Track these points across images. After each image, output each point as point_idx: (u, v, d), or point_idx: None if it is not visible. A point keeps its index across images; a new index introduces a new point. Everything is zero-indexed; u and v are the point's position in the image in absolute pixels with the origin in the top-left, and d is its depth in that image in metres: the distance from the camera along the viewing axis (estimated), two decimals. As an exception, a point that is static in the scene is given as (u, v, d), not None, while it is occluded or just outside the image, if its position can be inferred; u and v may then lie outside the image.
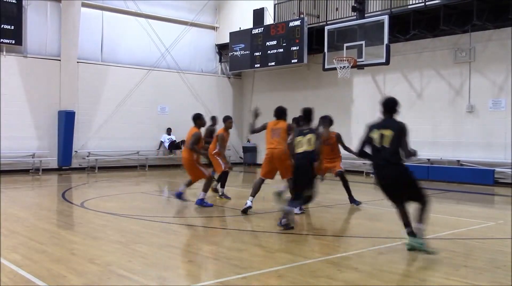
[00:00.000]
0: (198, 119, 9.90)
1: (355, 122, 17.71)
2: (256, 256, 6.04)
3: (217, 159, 10.75)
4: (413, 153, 5.98)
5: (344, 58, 15.80)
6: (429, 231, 6.89)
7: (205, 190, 9.78)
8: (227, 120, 10.96)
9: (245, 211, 8.82)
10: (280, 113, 9.01)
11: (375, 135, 6.02)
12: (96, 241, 6.78)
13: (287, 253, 6.22)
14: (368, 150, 6.19)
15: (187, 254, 6.13)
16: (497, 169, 14.31)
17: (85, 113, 18.50)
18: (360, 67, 16.12)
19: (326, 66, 16.71)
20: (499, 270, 5.51)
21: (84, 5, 18.40)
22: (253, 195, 8.98)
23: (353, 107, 18.44)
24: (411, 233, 6.07)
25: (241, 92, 23.24)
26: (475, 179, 14.37)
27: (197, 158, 9.88)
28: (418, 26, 15.65)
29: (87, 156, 18.57)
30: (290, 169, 8.57)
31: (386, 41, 14.94)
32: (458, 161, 15.35)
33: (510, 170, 14.10)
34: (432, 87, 16.27)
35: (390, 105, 6.14)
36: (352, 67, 15.77)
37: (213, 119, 12.05)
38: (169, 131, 20.33)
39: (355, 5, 16.12)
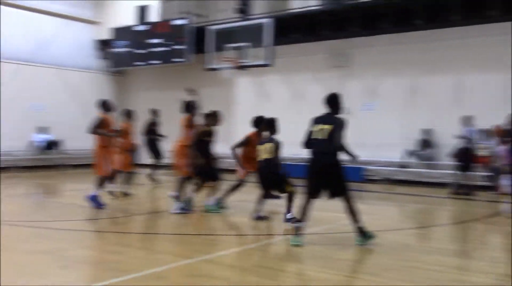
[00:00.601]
0: (103, 105, 9.56)
1: (239, 122, 17.99)
2: (136, 259, 5.87)
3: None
4: (340, 147, 6.62)
5: (228, 59, 15.96)
6: (306, 226, 7.15)
7: (98, 186, 9.35)
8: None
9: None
10: (184, 107, 9.36)
11: (316, 129, 6.61)
12: (-43, 249, 6.17)
13: (168, 254, 6.13)
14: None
15: (61, 260, 5.77)
16: (368, 167, 15.25)
17: None
18: (244, 68, 16.38)
19: (210, 66, 16.77)
20: (369, 262, 5.89)
21: None
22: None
23: (236, 107, 18.69)
24: (299, 229, 6.39)
25: (124, 90, 22.53)
26: (346, 176, 15.14)
27: (107, 149, 9.39)
28: (299, 31, 16.26)
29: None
30: (181, 167, 8.95)
31: (268, 43, 15.34)
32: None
33: (380, 167, 15.14)
34: (312, 90, 16.97)
35: (331, 101, 6.81)
36: (235, 67, 15.99)
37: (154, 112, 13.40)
38: (42, 130, 19.10)
39: (239, 6, 16.35)
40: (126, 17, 20.22)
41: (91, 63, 21.58)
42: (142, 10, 19.83)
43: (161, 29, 18.77)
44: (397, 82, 15.46)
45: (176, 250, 6.34)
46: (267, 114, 17.95)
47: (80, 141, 19.75)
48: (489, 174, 12.43)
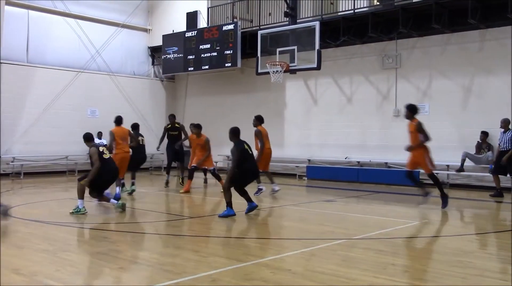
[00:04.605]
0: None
1: (288, 125, 18.06)
2: (190, 261, 5.98)
3: None
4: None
5: (277, 63, 16.00)
6: (359, 231, 7.09)
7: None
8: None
9: None
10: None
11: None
12: (21, 250, 6.47)
13: (221, 257, 6.21)
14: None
15: (117, 261, 5.97)
16: (422, 171, 14.90)
17: (9, 117, 17.60)
18: (293, 71, 16.37)
19: (259, 70, 16.84)
20: (424, 267, 5.77)
21: (8, 3, 17.54)
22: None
23: (286, 110, 18.71)
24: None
25: (174, 95, 23.01)
26: (401, 180, 14.90)
27: None
28: (347, 33, 16.12)
29: (12, 162, 17.72)
30: None
31: (317, 46, 15.27)
32: (386, 163, 15.92)
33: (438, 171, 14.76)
34: (361, 92, 16.80)
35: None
36: (284, 71, 15.99)
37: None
38: (100, 135, 19.77)
39: (287, 10, 16.38)
40: (177, 23, 20.65)
41: (144, 70, 22.16)
42: (192, 16, 20.17)
43: (211, 34, 19.04)
44: (450, 83, 15.04)
45: (228, 253, 6.41)
46: (315, 118, 17.92)
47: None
48: None
